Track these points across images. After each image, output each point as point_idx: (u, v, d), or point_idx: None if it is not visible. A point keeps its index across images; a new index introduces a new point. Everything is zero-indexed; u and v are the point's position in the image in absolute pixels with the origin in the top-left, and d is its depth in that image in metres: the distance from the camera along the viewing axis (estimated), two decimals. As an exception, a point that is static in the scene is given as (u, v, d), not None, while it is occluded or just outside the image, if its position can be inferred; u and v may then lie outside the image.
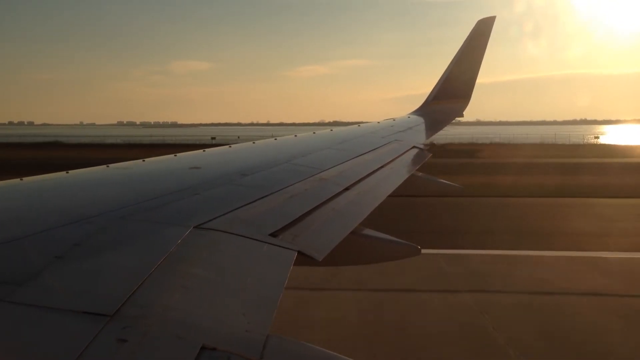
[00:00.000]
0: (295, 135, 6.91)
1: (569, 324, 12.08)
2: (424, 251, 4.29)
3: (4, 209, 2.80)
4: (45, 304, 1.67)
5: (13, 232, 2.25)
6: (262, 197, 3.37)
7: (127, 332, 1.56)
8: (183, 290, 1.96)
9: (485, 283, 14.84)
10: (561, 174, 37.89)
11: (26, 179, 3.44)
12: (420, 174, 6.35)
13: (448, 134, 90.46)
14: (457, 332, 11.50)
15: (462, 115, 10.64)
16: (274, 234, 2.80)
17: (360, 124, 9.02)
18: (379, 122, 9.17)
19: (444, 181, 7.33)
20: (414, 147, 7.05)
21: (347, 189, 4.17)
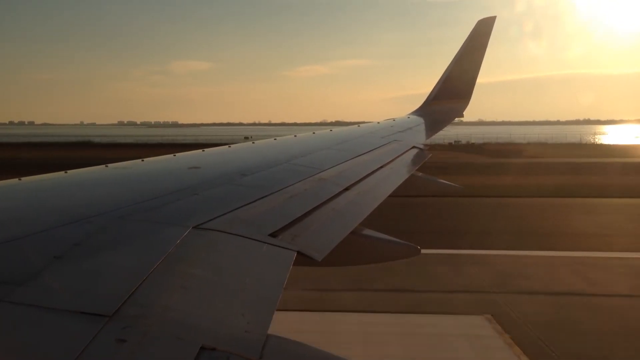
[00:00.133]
0: (295, 136, 6.90)
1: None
2: (423, 251, 4.29)
3: (4, 209, 2.79)
4: (45, 304, 1.67)
5: (13, 232, 2.24)
6: (262, 197, 3.37)
7: (127, 332, 1.56)
8: (182, 290, 1.96)
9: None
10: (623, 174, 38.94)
11: (25, 179, 3.43)
12: (420, 174, 6.34)
13: (468, 132, 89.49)
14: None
15: (462, 116, 10.63)
16: (273, 234, 2.79)
17: (360, 125, 9.01)
18: (378, 123, 9.16)
19: (444, 181, 7.32)
20: (413, 147, 7.04)
21: (346, 189, 4.17)
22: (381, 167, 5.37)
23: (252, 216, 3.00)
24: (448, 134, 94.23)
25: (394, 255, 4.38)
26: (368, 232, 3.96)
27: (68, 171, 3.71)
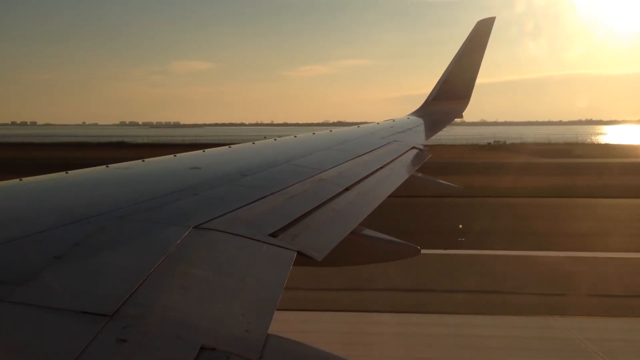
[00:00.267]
0: (295, 136, 6.91)
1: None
2: (423, 251, 4.29)
3: (4, 209, 2.80)
4: (45, 304, 1.67)
5: (13, 232, 2.24)
6: (262, 198, 3.37)
7: (127, 332, 1.56)
8: (182, 290, 1.96)
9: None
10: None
11: (26, 179, 3.43)
12: (419, 174, 6.34)
13: (478, 133, 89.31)
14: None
15: (461, 116, 10.63)
16: (273, 234, 2.79)
17: (360, 125, 9.02)
18: (378, 123, 9.17)
19: (444, 182, 7.32)
20: (413, 147, 7.05)
21: (346, 189, 4.17)
22: (381, 167, 5.38)
23: (252, 216, 3.00)
24: (474, 133, 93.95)
25: (394, 255, 4.38)
26: (368, 232, 3.96)
27: (69, 171, 3.72)
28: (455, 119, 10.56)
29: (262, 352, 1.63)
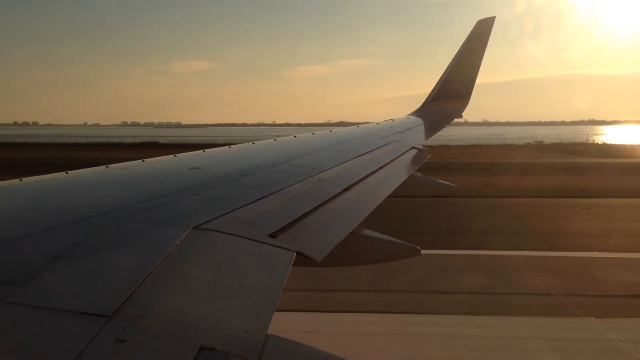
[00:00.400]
0: (295, 136, 6.92)
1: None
2: (423, 251, 4.29)
3: (4, 209, 2.80)
4: (45, 304, 1.68)
5: (13, 232, 2.25)
6: (262, 198, 3.37)
7: (126, 332, 1.56)
8: (182, 290, 1.96)
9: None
10: None
11: (26, 179, 3.44)
12: (419, 174, 6.35)
13: (488, 133, 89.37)
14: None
15: (461, 116, 10.64)
16: (273, 235, 2.80)
17: (359, 125, 9.03)
18: (377, 123, 9.17)
19: (443, 182, 7.33)
20: (413, 147, 7.06)
21: (346, 189, 4.17)
22: (380, 167, 5.38)
23: (252, 216, 3.01)
24: (484, 133, 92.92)
25: (394, 255, 4.39)
26: (368, 232, 3.96)
27: (69, 172, 3.72)
28: (455, 119, 10.57)
29: (262, 353, 1.63)
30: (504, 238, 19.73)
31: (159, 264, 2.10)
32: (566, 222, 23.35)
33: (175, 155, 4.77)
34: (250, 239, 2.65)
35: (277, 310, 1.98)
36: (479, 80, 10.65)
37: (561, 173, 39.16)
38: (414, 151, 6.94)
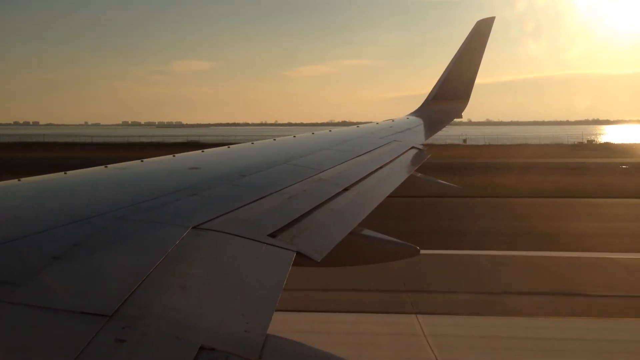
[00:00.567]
0: (294, 136, 6.92)
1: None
2: (423, 251, 4.30)
3: (4, 209, 2.80)
4: (44, 305, 1.68)
5: (12, 233, 2.25)
6: (261, 198, 3.37)
7: (126, 332, 1.56)
8: (182, 290, 1.96)
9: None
10: None
11: (25, 180, 3.44)
12: (419, 174, 6.35)
13: (498, 132, 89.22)
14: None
15: (461, 116, 10.64)
16: (272, 235, 2.80)
17: (359, 125, 9.03)
18: (377, 123, 9.18)
19: (443, 182, 7.33)
20: (412, 147, 7.06)
21: (346, 189, 4.18)
22: (380, 167, 5.38)
23: (251, 216, 3.01)
24: (495, 132, 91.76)
25: (394, 255, 4.39)
26: (367, 232, 3.96)
27: (68, 172, 3.72)
28: (457, 119, 10.57)
29: (261, 353, 1.63)
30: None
31: (159, 264, 2.10)
32: None
33: (174, 155, 4.77)
34: (250, 239, 2.65)
35: (277, 310, 1.98)
36: (478, 80, 10.68)
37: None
38: (414, 151, 6.95)
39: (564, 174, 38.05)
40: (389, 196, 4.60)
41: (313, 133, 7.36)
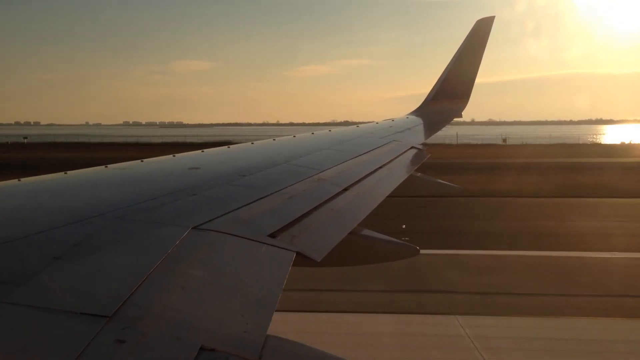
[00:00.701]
0: (294, 136, 6.92)
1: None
2: (423, 251, 4.29)
3: (4, 209, 2.80)
4: (44, 305, 1.67)
5: (12, 233, 2.24)
6: (261, 198, 3.37)
7: (126, 333, 1.56)
8: (181, 291, 1.96)
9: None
10: None
11: (25, 180, 3.44)
12: (419, 174, 6.35)
13: (505, 132, 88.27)
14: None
15: (460, 116, 10.63)
16: (272, 235, 2.80)
17: (359, 125, 9.03)
18: (377, 123, 9.17)
19: (443, 181, 7.33)
20: (412, 147, 7.06)
21: (345, 189, 4.17)
22: (380, 167, 5.38)
23: (251, 217, 3.01)
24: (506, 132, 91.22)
25: (393, 255, 4.39)
26: (367, 232, 3.96)
27: (68, 172, 3.72)
28: (459, 119, 10.56)
29: (261, 353, 1.63)
30: None
31: (159, 264, 2.10)
32: None
33: (174, 155, 4.77)
34: (250, 239, 2.65)
35: (277, 310, 1.98)
36: (478, 79, 10.67)
37: None
38: (414, 151, 6.95)
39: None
40: (388, 196, 4.60)
41: (313, 133, 7.35)
